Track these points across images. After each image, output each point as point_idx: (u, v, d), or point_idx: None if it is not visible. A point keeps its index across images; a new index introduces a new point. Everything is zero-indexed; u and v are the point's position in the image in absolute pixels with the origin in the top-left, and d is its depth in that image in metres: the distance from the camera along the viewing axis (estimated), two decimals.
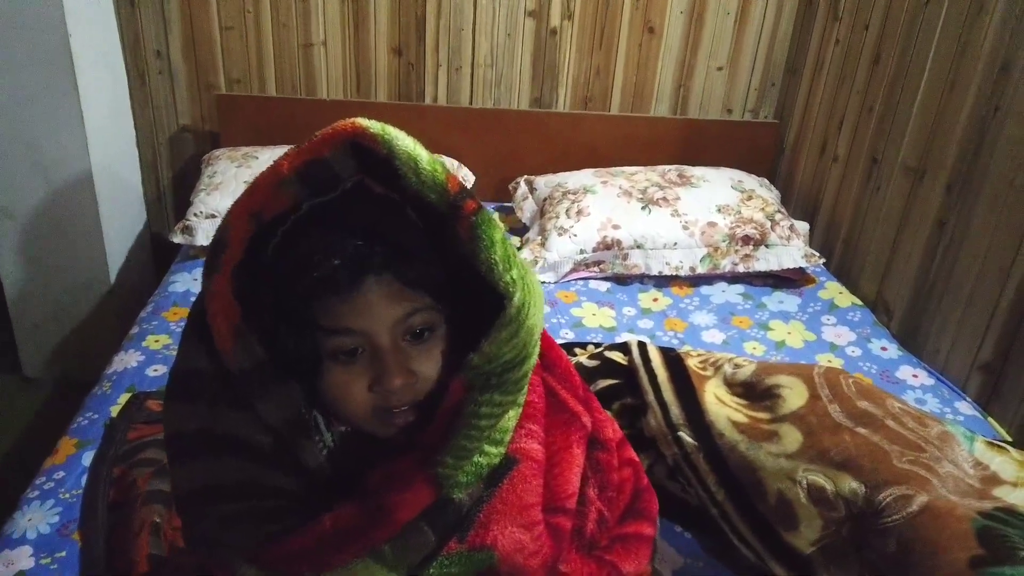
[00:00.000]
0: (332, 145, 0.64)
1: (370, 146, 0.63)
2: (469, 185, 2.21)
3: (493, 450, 0.68)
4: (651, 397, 1.17)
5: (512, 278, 0.64)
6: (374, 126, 0.64)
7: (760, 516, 1.02)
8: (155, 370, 1.50)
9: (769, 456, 1.03)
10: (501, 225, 0.65)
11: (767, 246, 1.93)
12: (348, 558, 0.65)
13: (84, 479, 1.21)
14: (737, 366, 1.19)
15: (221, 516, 0.66)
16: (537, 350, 0.67)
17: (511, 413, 0.69)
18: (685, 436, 1.12)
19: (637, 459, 0.87)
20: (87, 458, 1.25)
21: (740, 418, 1.09)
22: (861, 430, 1.01)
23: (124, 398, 1.40)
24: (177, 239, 1.92)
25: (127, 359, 1.53)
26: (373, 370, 0.65)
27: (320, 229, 0.64)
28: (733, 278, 1.96)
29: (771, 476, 1.02)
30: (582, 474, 0.77)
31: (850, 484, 0.96)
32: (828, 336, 1.75)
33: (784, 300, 1.90)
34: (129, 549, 1.03)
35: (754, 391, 1.13)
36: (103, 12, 2.08)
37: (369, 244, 0.63)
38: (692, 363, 1.22)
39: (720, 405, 1.12)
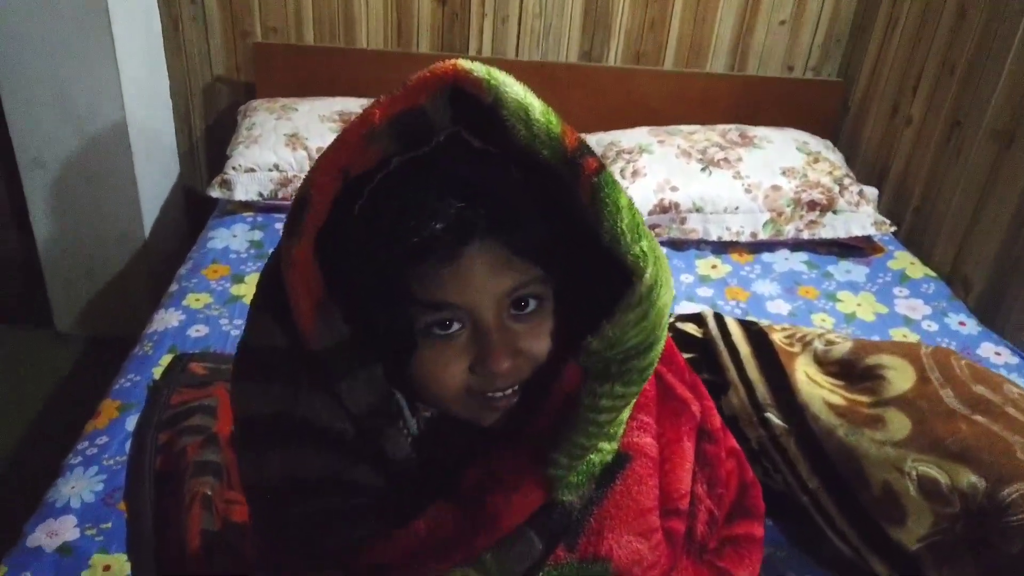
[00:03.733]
0: (430, 92, 0.55)
1: (473, 93, 0.54)
2: None
3: (607, 446, 0.60)
4: (733, 374, 1.09)
5: (642, 251, 0.55)
6: (479, 69, 0.54)
7: (860, 508, 0.94)
8: (197, 331, 1.43)
9: (873, 443, 0.94)
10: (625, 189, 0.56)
11: (834, 212, 1.82)
12: (445, 568, 0.57)
13: (128, 445, 1.15)
14: (829, 343, 1.09)
15: (301, 516, 0.59)
16: (665, 335, 0.58)
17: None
18: (773, 418, 1.03)
19: (739, 448, 0.78)
20: (130, 423, 1.19)
21: (837, 400, 1.00)
22: (978, 417, 0.92)
23: (166, 359, 1.33)
24: (215, 193, 1.84)
25: (167, 318, 1.46)
26: (475, 349, 0.57)
27: (414, 188, 0.55)
28: (795, 245, 1.86)
29: (875, 465, 0.93)
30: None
31: (969, 478, 0.88)
32: (901, 309, 1.65)
33: (851, 270, 1.79)
34: (179, 524, 0.97)
35: (852, 371, 1.04)
36: None
37: (472, 205, 0.55)
38: (777, 338, 1.13)
39: (813, 385, 1.03)
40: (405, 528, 0.58)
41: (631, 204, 0.55)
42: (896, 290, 1.72)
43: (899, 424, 0.94)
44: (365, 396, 0.59)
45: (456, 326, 0.57)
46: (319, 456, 0.59)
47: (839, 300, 1.68)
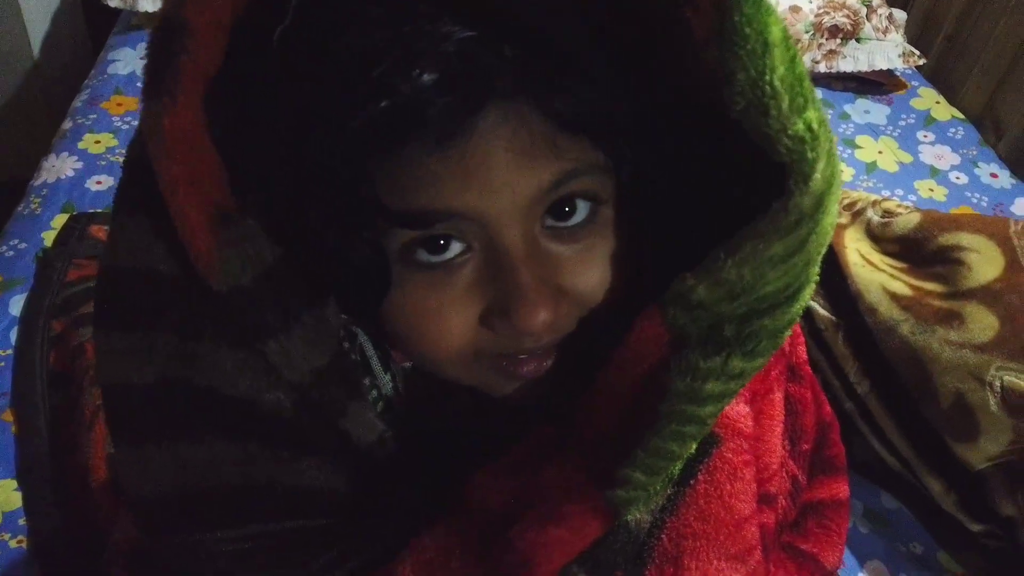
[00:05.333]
0: None
1: None
2: None
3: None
4: None
5: (808, 128, 0.31)
6: None
7: (921, 420, 0.79)
8: (98, 183, 1.16)
9: (946, 345, 0.77)
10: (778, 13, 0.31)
11: (858, 40, 1.56)
12: None
13: (14, 335, 0.92)
14: (888, 213, 0.89)
15: (210, 554, 0.38)
16: (816, 272, 0.36)
17: None
18: (816, 307, 0.85)
19: (812, 374, 0.59)
20: (15, 305, 0.95)
21: (900, 288, 0.82)
22: None
23: (59, 221, 1.07)
24: (113, 2, 1.49)
25: (60, 166, 1.18)
26: (489, 287, 0.35)
27: (379, 3, 0.31)
28: None
29: (947, 372, 0.76)
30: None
31: None
32: (927, 158, 1.46)
33: (871, 110, 1.57)
34: (80, 447, 0.77)
35: (919, 251, 0.84)
36: None
37: (488, 37, 0.30)
38: None
39: (869, 268, 0.84)
40: (381, 572, 0.38)
41: (788, 41, 0.31)
42: (920, 134, 1.51)
43: (982, 322, 0.76)
44: (309, 355, 0.37)
45: (456, 248, 0.35)
46: (237, 450, 0.37)
47: (858, 147, 1.47)
